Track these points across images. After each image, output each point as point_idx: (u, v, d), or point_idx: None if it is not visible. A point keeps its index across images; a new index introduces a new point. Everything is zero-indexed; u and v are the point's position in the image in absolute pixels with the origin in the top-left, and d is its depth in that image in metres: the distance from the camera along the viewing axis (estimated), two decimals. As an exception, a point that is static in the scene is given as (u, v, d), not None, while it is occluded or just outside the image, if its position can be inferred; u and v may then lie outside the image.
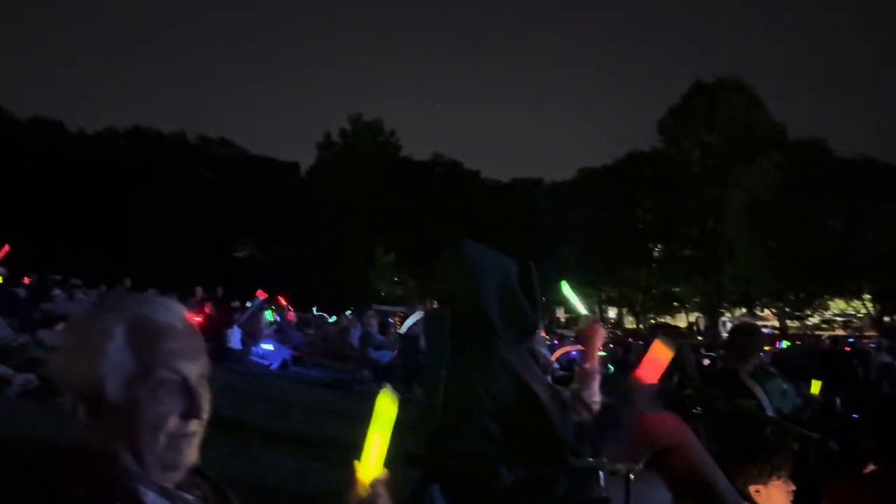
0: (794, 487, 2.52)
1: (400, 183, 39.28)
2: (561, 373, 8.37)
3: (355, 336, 10.24)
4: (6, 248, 9.14)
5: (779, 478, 2.51)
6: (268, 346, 10.08)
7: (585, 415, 1.96)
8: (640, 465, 1.76)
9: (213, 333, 8.98)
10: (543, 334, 8.85)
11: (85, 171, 34.78)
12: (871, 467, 2.21)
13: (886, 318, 38.80)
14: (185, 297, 12.29)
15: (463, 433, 1.80)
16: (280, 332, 11.36)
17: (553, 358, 7.63)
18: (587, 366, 2.14)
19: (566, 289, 2.37)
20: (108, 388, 0.95)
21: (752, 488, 2.49)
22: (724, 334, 29.95)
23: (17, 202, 31.87)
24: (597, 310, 40.68)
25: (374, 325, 10.02)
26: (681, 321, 40.28)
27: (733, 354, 3.75)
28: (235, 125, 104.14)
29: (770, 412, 3.24)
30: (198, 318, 10.68)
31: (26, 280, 12.17)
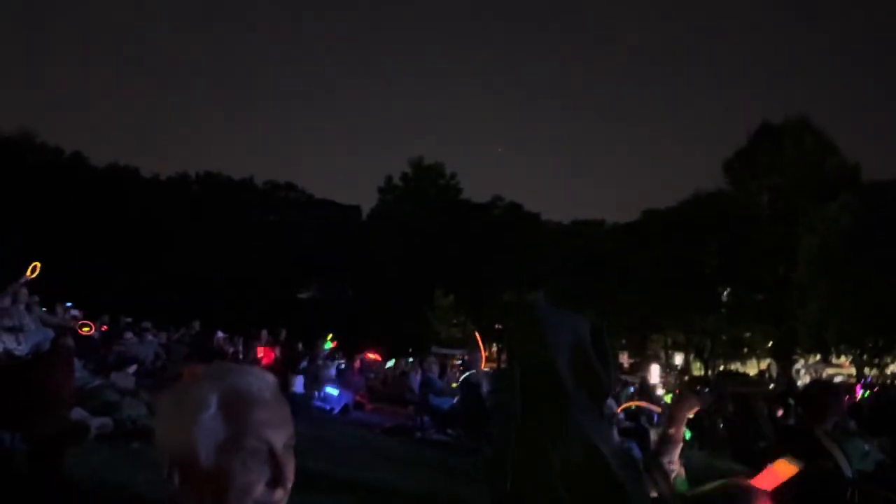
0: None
1: (460, 225, 39.55)
2: (627, 423, 8.17)
3: (415, 381, 10.23)
4: (35, 265, 8.87)
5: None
6: (332, 391, 10.18)
7: (662, 484, 1.91)
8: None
9: (278, 378, 9.13)
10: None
11: (158, 216, 36.39)
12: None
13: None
14: (250, 340, 12.61)
15: (533, 497, 1.79)
16: (342, 377, 11.46)
17: (619, 410, 7.47)
18: (671, 432, 2.10)
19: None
20: (200, 455, 1.00)
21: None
22: (798, 381, 28.70)
23: (94, 246, 33.51)
24: (663, 355, 39.63)
25: (434, 370, 10.00)
26: (751, 368, 38.70)
27: (810, 412, 3.57)
28: (300, 170, 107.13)
29: (850, 474, 3.07)
30: (265, 362, 10.94)
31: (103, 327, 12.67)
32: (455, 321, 37.91)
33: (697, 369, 39.12)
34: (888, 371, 35.29)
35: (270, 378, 1.10)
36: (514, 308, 2.22)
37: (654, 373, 25.15)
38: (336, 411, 9.96)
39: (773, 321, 34.83)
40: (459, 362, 17.31)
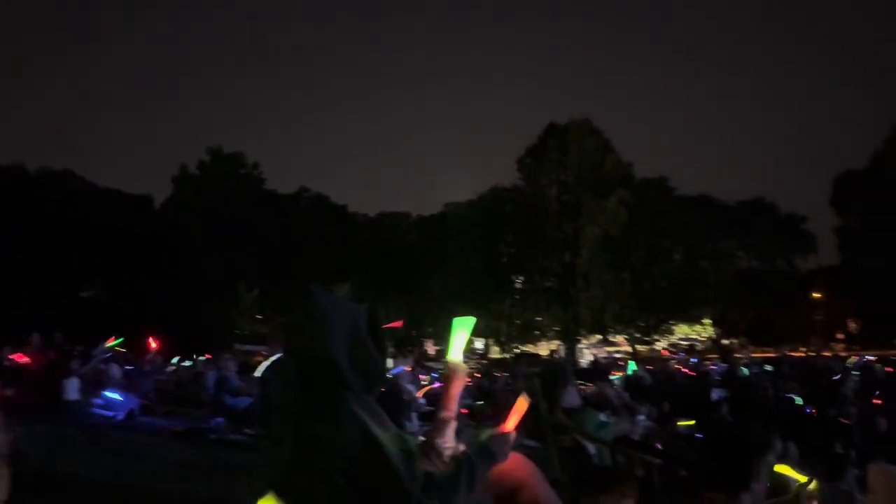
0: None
1: (263, 216, 38.21)
2: (427, 408, 8.37)
3: (211, 380, 9.68)
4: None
5: (626, 504, 2.59)
6: (114, 395, 9.33)
7: (438, 464, 1.93)
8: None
9: (47, 385, 8.21)
10: (409, 369, 8.83)
11: None
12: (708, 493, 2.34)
13: (725, 341, 42.59)
14: (20, 345, 11.20)
15: (309, 488, 1.73)
16: (128, 380, 10.55)
17: (420, 394, 7.62)
18: (442, 413, 2.13)
19: (457, 329, 2.30)
20: None
21: (599, 518, 2.55)
22: (582, 360, 31.50)
23: None
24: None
25: (231, 367, 9.53)
26: (543, 349, 41.79)
27: (547, 393, 3.74)
28: (80, 157, 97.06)
29: (589, 447, 3.34)
30: (31, 368, 9.75)
31: None
32: (260, 316, 36.62)
33: (496, 353, 41.47)
34: (657, 347, 39.96)
35: None
36: (292, 299, 2.16)
37: (460, 366, 26.04)
38: (120, 417, 9.15)
39: (561, 305, 37.83)
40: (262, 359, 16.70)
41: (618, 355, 34.73)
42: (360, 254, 37.77)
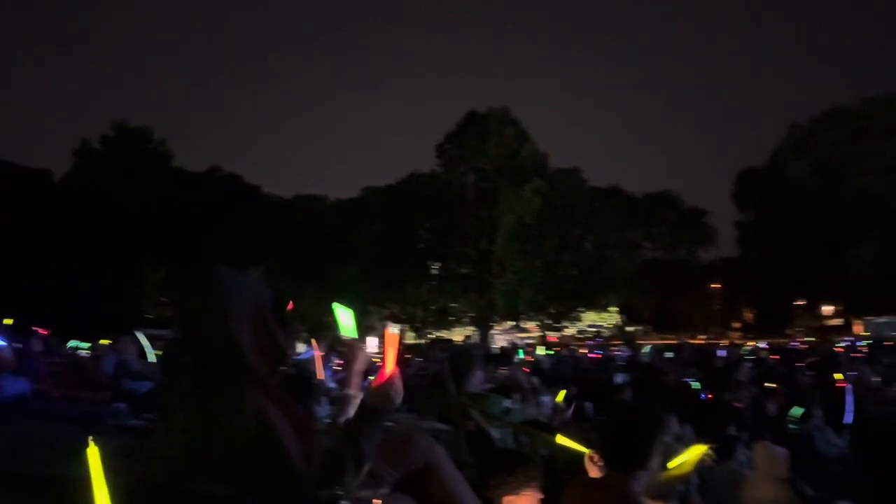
0: (541, 495, 2.65)
1: (171, 195, 36.69)
2: (337, 392, 8.30)
3: (109, 364, 9.23)
4: None
5: (531, 487, 2.63)
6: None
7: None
8: (386, 490, 1.74)
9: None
10: (319, 353, 8.70)
11: None
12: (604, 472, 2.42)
13: (629, 328, 44.43)
14: None
15: (205, 473, 1.66)
16: (20, 363, 9.91)
17: (325, 377, 7.52)
18: (344, 391, 2.10)
19: (338, 310, 2.26)
20: None
21: (505, 500, 2.58)
22: (494, 345, 32.06)
23: None
24: (380, 327, 41.27)
25: (131, 351, 9.12)
26: (457, 335, 42.26)
27: (455, 377, 3.74)
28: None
29: (492, 431, 3.40)
30: None
31: None
32: (165, 299, 35.24)
33: (411, 338, 41.61)
34: (566, 333, 41.20)
35: None
36: (190, 277, 2.04)
37: (372, 344, 25.94)
38: (8, 401, 8.59)
39: (476, 291, 38.32)
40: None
41: (529, 341, 35.56)
42: (275, 236, 36.89)
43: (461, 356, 3.87)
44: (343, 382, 2.16)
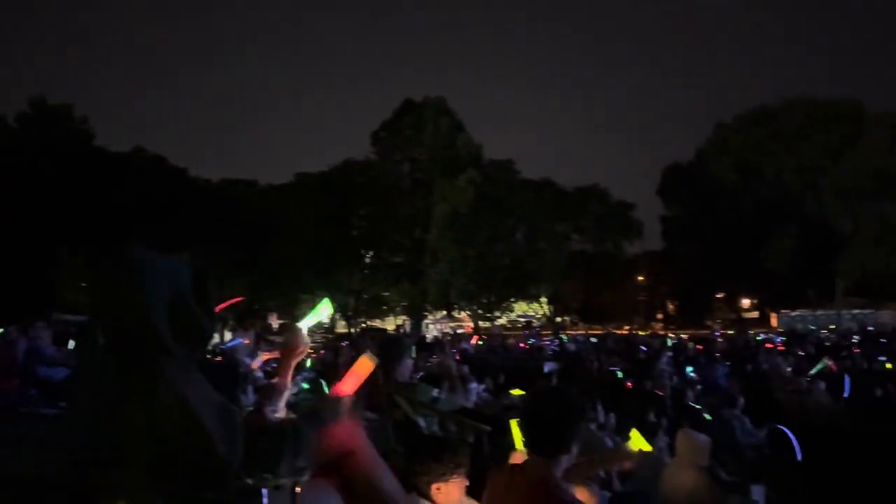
0: (467, 482, 2.66)
1: (91, 176, 35.08)
2: (265, 381, 8.13)
3: (21, 350, 8.81)
4: None
5: (458, 474, 2.64)
6: None
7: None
8: (307, 477, 1.70)
9: None
10: (247, 342, 8.52)
11: None
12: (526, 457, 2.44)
13: (558, 319, 45.33)
14: None
15: (117, 460, 1.58)
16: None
17: (255, 366, 7.37)
18: (275, 380, 2.05)
19: (322, 307, 2.25)
20: None
21: (433, 487, 2.58)
22: (427, 335, 32.21)
23: None
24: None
25: (45, 337, 8.72)
26: (389, 324, 42.18)
27: (384, 366, 3.67)
28: None
29: (420, 420, 3.40)
30: None
31: None
32: (85, 284, 33.76)
33: (342, 327, 41.26)
34: (497, 323, 41.67)
35: None
36: (104, 259, 1.94)
37: (301, 332, 25.57)
38: None
39: (409, 281, 38.29)
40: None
41: (460, 330, 35.82)
42: (201, 220, 35.76)
43: (390, 345, 3.83)
44: (275, 373, 2.11)
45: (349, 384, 1.99)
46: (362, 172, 39.17)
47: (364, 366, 2.03)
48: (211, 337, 1.87)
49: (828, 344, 16.29)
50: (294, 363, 2.08)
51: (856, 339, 18.52)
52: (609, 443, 5.15)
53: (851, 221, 37.93)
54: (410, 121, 38.16)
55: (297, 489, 1.64)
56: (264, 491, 1.55)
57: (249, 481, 1.58)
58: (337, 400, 1.95)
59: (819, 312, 33.82)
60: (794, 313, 34.72)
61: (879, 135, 36.87)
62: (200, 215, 35.49)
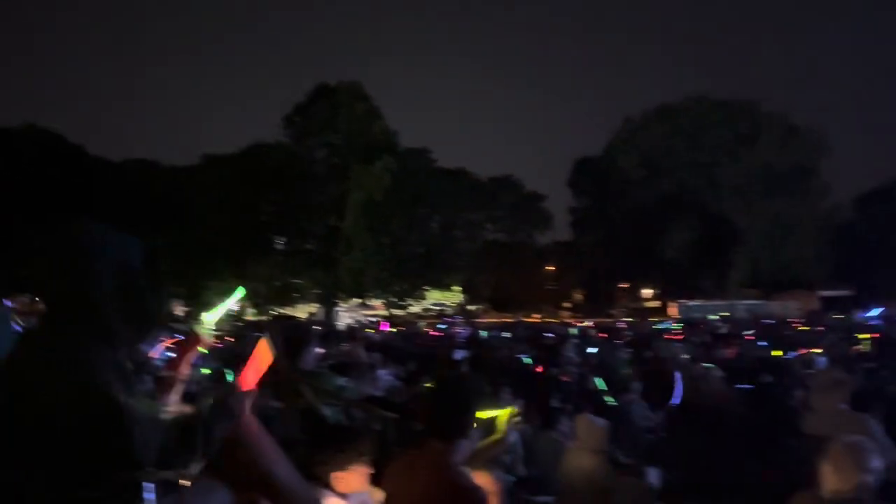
0: (371, 470, 2.66)
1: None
2: (165, 373, 7.83)
3: None
4: None
5: (361, 462, 2.62)
6: None
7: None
8: (193, 470, 1.65)
9: None
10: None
11: None
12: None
13: (471, 307, 45.94)
14: None
15: (28, 456, 1.47)
16: None
17: (154, 354, 7.08)
18: (169, 372, 1.98)
19: (234, 296, 2.18)
20: None
21: (333, 476, 2.56)
22: (339, 323, 31.91)
23: None
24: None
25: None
26: (301, 312, 41.49)
27: (286, 353, 3.47)
28: None
29: (325, 409, 3.37)
30: None
31: None
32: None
33: (252, 315, 40.25)
34: (410, 311, 41.79)
35: None
36: (43, 233, 1.82)
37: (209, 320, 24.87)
38: None
39: (322, 268, 37.73)
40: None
41: (373, 319, 35.71)
42: (97, 199, 33.86)
43: (295, 332, 3.75)
44: (173, 364, 2.04)
45: (250, 376, 1.93)
46: (273, 156, 38.17)
47: (263, 356, 1.98)
48: (156, 318, 1.80)
49: (722, 332, 17.20)
50: (191, 357, 2.03)
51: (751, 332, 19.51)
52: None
53: (746, 217, 40.22)
54: (325, 105, 37.48)
55: (184, 483, 1.58)
56: (149, 485, 1.48)
57: (131, 475, 1.51)
58: (241, 392, 1.89)
59: (714, 302, 35.73)
60: (691, 303, 36.54)
61: (773, 134, 39.27)
62: (99, 196, 33.66)
